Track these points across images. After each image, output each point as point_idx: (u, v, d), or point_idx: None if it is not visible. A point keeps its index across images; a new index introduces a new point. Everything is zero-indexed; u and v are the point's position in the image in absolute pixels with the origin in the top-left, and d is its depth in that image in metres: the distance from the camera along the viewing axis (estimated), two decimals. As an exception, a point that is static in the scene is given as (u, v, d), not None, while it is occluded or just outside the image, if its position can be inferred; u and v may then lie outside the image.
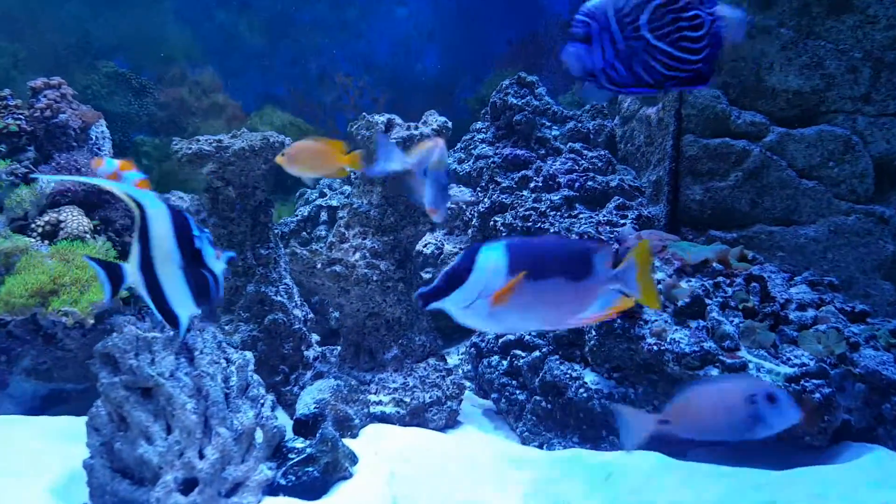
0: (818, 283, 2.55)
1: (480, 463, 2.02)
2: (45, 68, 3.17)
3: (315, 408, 2.10)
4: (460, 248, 3.32)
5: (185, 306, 1.28)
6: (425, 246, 3.30)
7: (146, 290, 1.24)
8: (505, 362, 2.58)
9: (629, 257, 1.16)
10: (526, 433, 2.40)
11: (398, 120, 2.56)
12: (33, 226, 2.61)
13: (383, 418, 2.28)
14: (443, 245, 3.32)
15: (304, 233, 3.49)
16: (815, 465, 2.00)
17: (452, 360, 3.19)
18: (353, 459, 1.99)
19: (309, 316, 2.69)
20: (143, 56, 3.86)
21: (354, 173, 2.59)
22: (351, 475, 1.94)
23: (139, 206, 1.21)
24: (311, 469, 1.85)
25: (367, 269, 2.36)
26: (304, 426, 2.09)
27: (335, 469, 1.91)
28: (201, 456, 1.73)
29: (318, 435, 1.94)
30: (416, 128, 2.53)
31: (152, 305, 1.26)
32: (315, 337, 2.74)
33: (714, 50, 1.20)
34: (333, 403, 2.12)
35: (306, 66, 3.93)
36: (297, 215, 3.55)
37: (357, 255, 2.44)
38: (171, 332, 1.90)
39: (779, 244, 2.88)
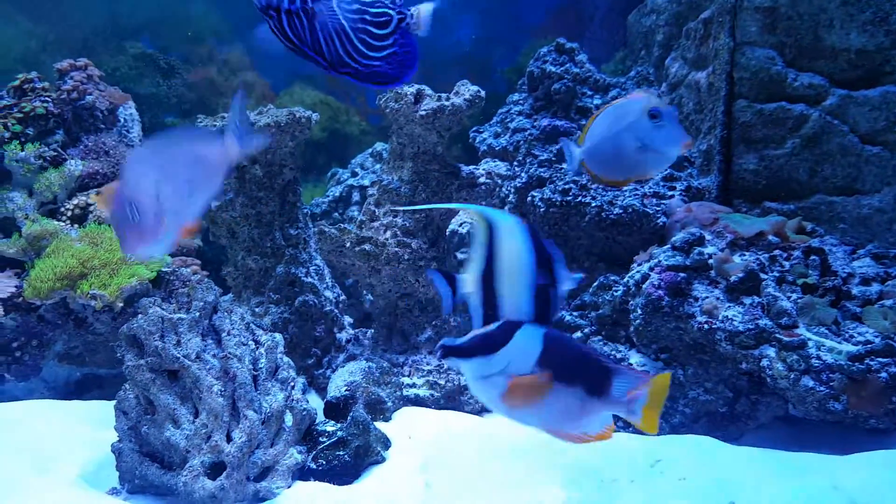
0: (883, 256, 2.41)
1: (518, 447, 1.96)
2: (73, 51, 3.19)
3: (346, 390, 2.07)
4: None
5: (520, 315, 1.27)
6: (461, 225, 3.24)
7: (481, 303, 1.25)
8: (545, 344, 2.51)
9: (645, 388, 1.13)
10: (568, 417, 2.33)
11: (428, 91, 2.50)
12: (62, 209, 2.63)
13: (417, 401, 2.24)
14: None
15: (336, 213, 3.47)
16: (882, 450, 1.89)
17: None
18: (386, 443, 1.96)
19: (341, 298, 2.66)
20: (171, 36, 3.87)
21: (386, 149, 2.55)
22: (384, 459, 1.91)
23: (487, 221, 1.23)
24: (342, 453, 1.82)
25: (397, 248, 2.32)
26: (336, 409, 2.07)
27: (367, 453, 1.88)
28: (229, 439, 1.72)
29: (349, 418, 1.91)
30: (448, 98, 2.47)
31: (476, 317, 1.26)
32: (348, 319, 2.72)
33: (402, 54, 1.16)
34: (365, 386, 2.09)
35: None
36: (328, 196, 3.53)
37: (388, 234, 2.40)
38: (197, 314, 1.89)
39: (840, 215, 2.73)
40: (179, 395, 1.79)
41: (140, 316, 1.85)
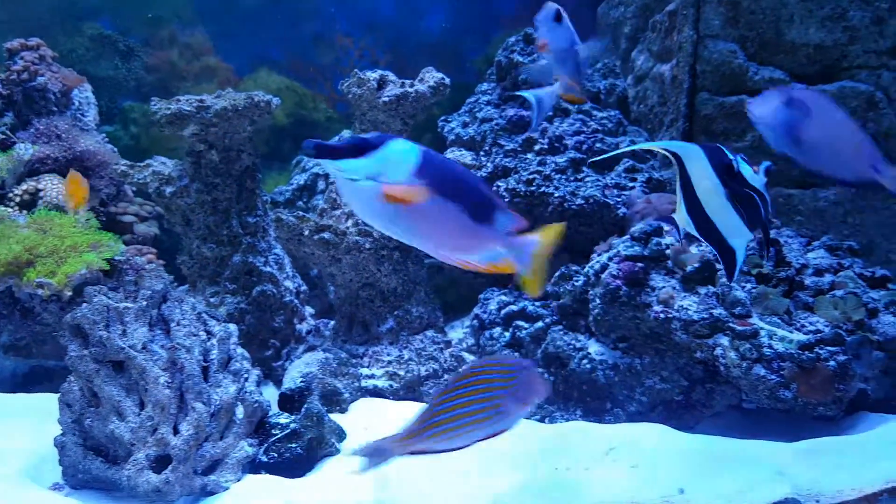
0: (837, 248, 2.43)
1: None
2: (26, 31, 3.06)
3: (301, 382, 2.03)
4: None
5: (739, 234, 1.35)
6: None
7: (699, 231, 1.35)
8: (507, 334, 2.49)
9: (537, 234, 1.13)
10: (527, 407, 2.31)
11: (392, 76, 2.45)
12: (10, 195, 2.53)
13: (376, 392, 2.20)
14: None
15: (301, 202, 3.40)
16: (829, 437, 1.90)
17: (457, 333, 3.11)
18: (341, 435, 1.92)
19: (302, 288, 2.61)
20: (131, 17, 3.74)
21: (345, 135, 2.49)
22: (338, 451, 1.87)
23: (675, 155, 1.31)
24: (294, 445, 1.78)
25: (359, 237, 2.26)
26: (290, 401, 2.02)
27: (320, 445, 1.84)
28: (176, 432, 1.66)
29: (303, 410, 1.87)
30: (412, 85, 2.42)
31: (710, 245, 1.36)
32: (309, 310, 2.66)
33: None
34: (321, 377, 2.04)
35: (303, 26, 3.79)
36: (292, 184, 3.45)
37: (349, 222, 2.34)
38: (145, 303, 1.82)
39: (797, 208, 2.74)
40: (125, 386, 1.72)
41: (84, 305, 1.78)
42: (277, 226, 2.25)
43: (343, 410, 2.08)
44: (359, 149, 1.02)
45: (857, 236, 2.71)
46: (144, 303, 1.82)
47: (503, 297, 2.59)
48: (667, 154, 1.33)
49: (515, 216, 1.12)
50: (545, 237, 1.14)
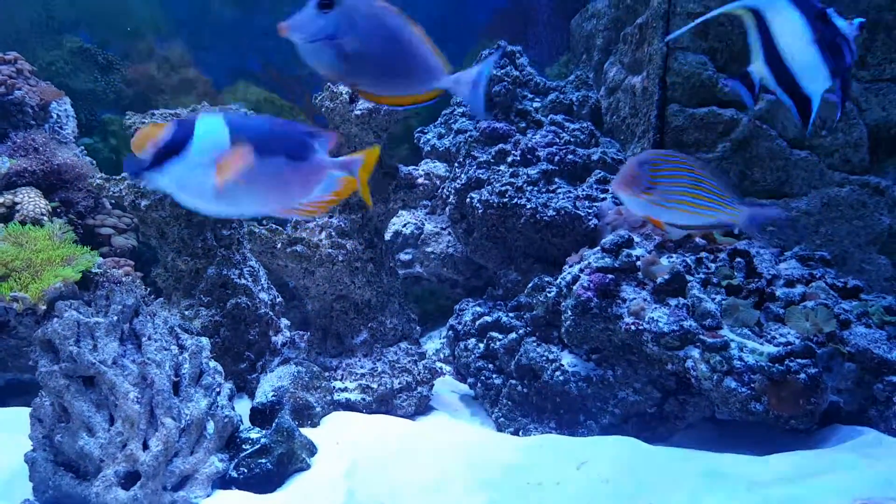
0: (809, 259, 2.45)
1: (447, 451, 1.93)
2: (5, 44, 3.05)
3: (273, 396, 2.02)
4: (441, 228, 3.23)
5: (819, 80, 1.33)
6: (405, 226, 3.20)
7: (776, 79, 1.34)
8: (481, 345, 2.50)
9: (360, 154, 1.22)
10: (501, 419, 2.32)
11: (366, 92, 2.44)
12: (-15, 208, 2.51)
13: (348, 405, 2.20)
14: (423, 224, 3.22)
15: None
16: (800, 450, 1.91)
17: (434, 343, 3.11)
18: (312, 450, 1.91)
19: (277, 300, 2.60)
20: (109, 30, 3.73)
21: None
22: (308, 466, 1.86)
23: (751, 9, 1.31)
24: (264, 461, 1.77)
25: (332, 249, 2.26)
26: (262, 415, 2.01)
27: (291, 460, 1.84)
28: (146, 448, 1.65)
29: (273, 425, 1.86)
30: (384, 100, 2.42)
31: (784, 97, 1.35)
32: (285, 322, 2.65)
33: None
34: (293, 391, 2.04)
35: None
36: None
37: (322, 235, 2.34)
38: (116, 318, 1.81)
39: (768, 218, 2.76)
40: (95, 402, 1.71)
41: (55, 320, 1.76)
42: (250, 238, 2.24)
43: (315, 424, 2.07)
44: (171, 150, 1.04)
45: (829, 246, 2.74)
46: (115, 317, 1.81)
47: (478, 309, 2.60)
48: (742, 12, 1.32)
49: (326, 133, 1.18)
50: (368, 157, 1.24)
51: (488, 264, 2.83)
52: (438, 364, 2.92)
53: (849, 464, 1.74)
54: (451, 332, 2.66)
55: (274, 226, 2.23)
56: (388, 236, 3.13)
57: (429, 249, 3.11)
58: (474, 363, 2.48)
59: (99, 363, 1.71)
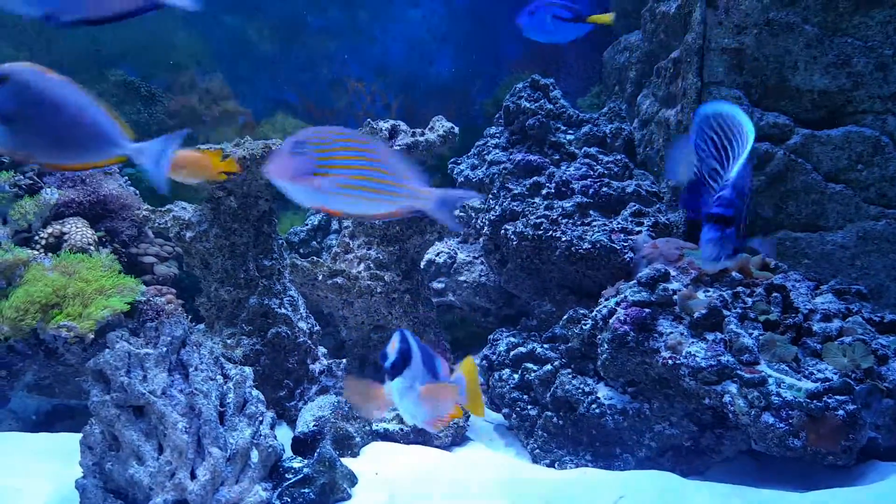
0: (845, 292, 2.45)
1: (484, 483, 1.96)
2: (54, 78, 3.17)
3: (314, 426, 2.06)
4: (474, 257, 3.27)
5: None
6: (438, 255, 3.25)
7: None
8: (516, 376, 2.52)
9: (460, 370, 1.28)
10: (537, 450, 2.33)
11: (403, 126, 2.52)
12: (37, 238, 2.61)
13: (386, 436, 2.23)
14: (455, 254, 3.27)
15: (315, 242, 3.47)
16: (839, 487, 1.90)
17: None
18: (353, 480, 1.94)
19: (315, 328, 2.65)
20: (152, 64, 3.87)
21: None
22: (349, 496, 1.90)
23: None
24: (307, 490, 1.81)
25: (370, 281, 2.32)
26: (304, 445, 2.05)
27: (332, 490, 1.87)
28: (193, 477, 1.70)
29: (315, 455, 1.90)
30: (422, 134, 2.49)
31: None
32: (322, 350, 2.70)
33: None
34: (333, 421, 2.08)
35: (317, 71, 3.90)
36: (307, 224, 3.52)
37: (361, 266, 2.40)
38: (165, 349, 1.88)
39: (804, 251, 2.77)
40: (144, 431, 1.77)
41: (107, 350, 1.83)
42: (293, 270, 2.31)
43: (355, 455, 2.11)
44: (405, 361, 1.22)
45: (865, 279, 2.73)
46: (164, 349, 1.88)
47: (512, 339, 2.63)
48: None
49: (440, 358, 1.30)
50: (467, 372, 1.28)
51: (522, 294, 2.86)
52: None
53: (891, 501, 1.74)
54: (484, 362, 2.69)
55: (315, 258, 2.29)
56: (421, 265, 3.19)
57: (461, 278, 3.15)
58: (509, 393, 2.50)
59: (149, 393, 1.77)
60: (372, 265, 2.37)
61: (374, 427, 2.22)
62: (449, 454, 2.22)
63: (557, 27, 2.24)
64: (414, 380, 1.20)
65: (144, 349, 1.85)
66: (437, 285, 3.20)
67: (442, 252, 3.22)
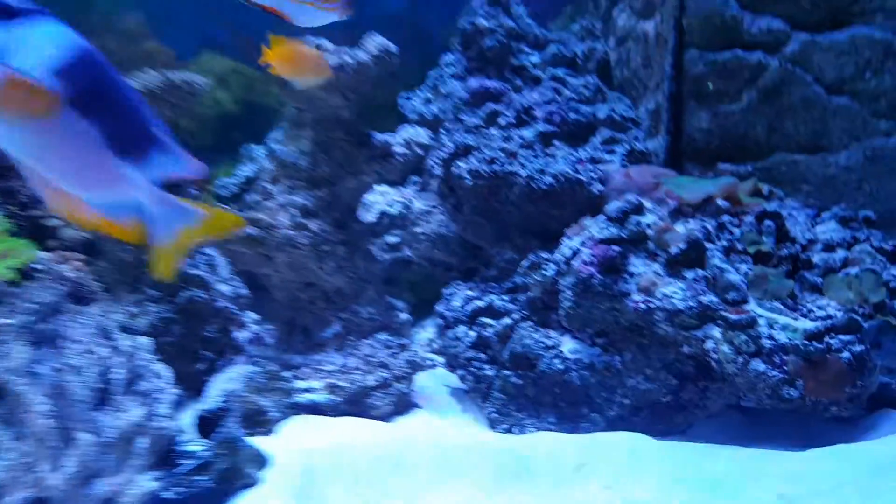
0: (851, 219, 2.23)
1: (423, 457, 1.75)
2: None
3: (220, 401, 1.85)
4: (433, 206, 3.03)
5: None
6: (391, 205, 3.00)
7: None
8: (472, 333, 2.30)
9: (203, 207, 0.86)
10: (494, 414, 2.13)
11: (328, 45, 2.27)
12: None
13: (313, 408, 2.02)
14: (412, 202, 3.02)
15: (249, 196, 3.21)
16: (844, 444, 1.69)
17: (428, 333, 2.93)
18: (262, 463, 1.75)
19: (242, 292, 2.43)
20: (62, 3, 3.58)
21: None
22: (256, 482, 1.70)
23: None
24: (203, 478, 1.61)
25: (292, 231, 2.08)
26: (207, 424, 1.84)
27: (235, 476, 1.68)
28: (58, 469, 1.49)
29: (217, 435, 1.70)
30: (351, 53, 2.24)
31: None
32: (253, 316, 2.48)
33: None
34: (243, 395, 1.87)
35: (252, 8, 3.60)
36: (237, 176, 3.26)
37: (284, 215, 2.16)
38: (31, 318, 1.65)
39: (803, 176, 2.53)
40: (3, 417, 1.55)
41: (-43, 323, 1.60)
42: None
43: (269, 432, 1.91)
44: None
45: (874, 205, 2.49)
46: (28, 317, 1.65)
47: (468, 292, 2.40)
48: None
49: (190, 161, 0.85)
50: (216, 217, 0.88)
51: (482, 243, 2.62)
52: (431, 355, 2.74)
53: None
54: (440, 320, 2.47)
55: (219, 205, 2.06)
56: (372, 217, 2.95)
57: (418, 230, 2.91)
58: (463, 353, 2.29)
59: (5, 371, 1.55)
60: (296, 213, 2.14)
61: (298, 399, 2.01)
62: (387, 426, 2.01)
63: None
64: None
65: (3, 320, 1.62)
66: (391, 239, 2.96)
67: (396, 202, 2.97)
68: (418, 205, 2.95)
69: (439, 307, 2.48)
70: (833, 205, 2.33)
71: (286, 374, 2.07)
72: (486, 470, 1.70)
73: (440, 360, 2.60)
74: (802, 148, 2.52)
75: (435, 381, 2.55)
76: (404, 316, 2.85)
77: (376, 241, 2.95)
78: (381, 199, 2.97)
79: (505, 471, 1.69)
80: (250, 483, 1.67)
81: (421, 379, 2.37)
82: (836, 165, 2.51)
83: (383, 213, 2.93)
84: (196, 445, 1.67)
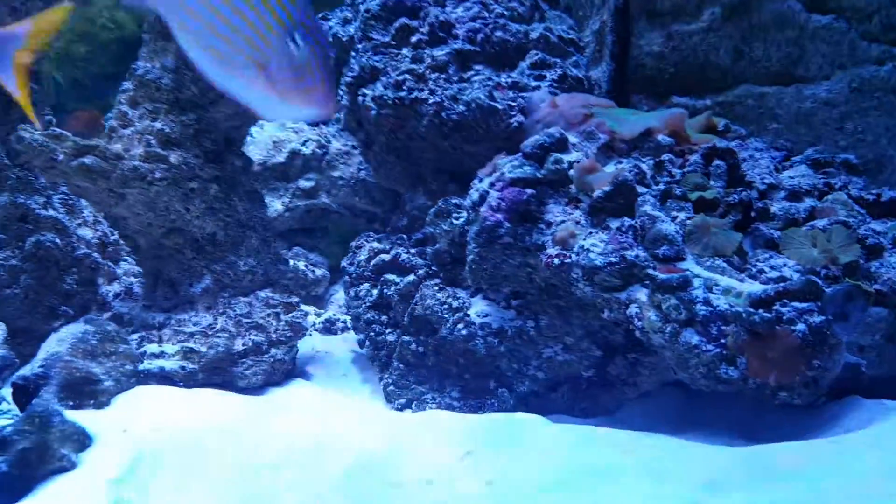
0: (827, 164, 1.90)
1: (287, 442, 1.46)
2: None
3: (40, 367, 1.55)
4: (352, 146, 2.69)
5: None
6: (305, 143, 2.66)
7: None
8: (375, 291, 2.00)
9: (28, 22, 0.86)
10: (391, 387, 1.85)
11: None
12: None
13: (162, 377, 1.72)
14: (329, 141, 2.68)
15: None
16: (791, 440, 1.38)
17: (342, 294, 2.63)
18: (83, 442, 1.45)
19: (110, 239, 2.11)
20: None
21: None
22: (73, 466, 1.41)
23: None
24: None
25: (144, 162, 1.75)
26: (26, 395, 1.55)
27: (44, 459, 1.38)
28: None
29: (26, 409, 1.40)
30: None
31: None
32: (127, 267, 2.17)
33: None
34: (68, 360, 1.56)
35: None
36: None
37: (140, 145, 1.83)
38: None
39: (773, 111, 2.21)
40: None
41: None
42: (25, 150, 1.73)
43: (102, 405, 1.61)
44: None
45: (859, 148, 2.19)
46: None
47: (376, 245, 2.08)
48: None
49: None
50: (39, 21, 0.91)
51: (396, 186, 2.30)
52: (342, 317, 2.44)
53: (878, 459, 1.21)
54: (346, 277, 2.16)
55: (57, 129, 1.72)
56: (282, 157, 2.62)
57: (336, 174, 2.59)
58: (364, 315, 1.99)
59: None
60: (155, 141, 1.80)
61: (145, 366, 1.70)
62: (251, 399, 1.71)
63: None
64: None
65: None
66: (304, 183, 2.63)
67: (310, 140, 2.63)
68: (336, 144, 2.62)
69: (344, 262, 2.17)
70: (808, 147, 2.01)
71: (134, 335, 1.77)
72: (354, 457, 1.41)
73: (347, 321, 2.32)
74: (773, 78, 2.19)
75: (345, 346, 2.26)
76: (320, 272, 2.55)
77: (288, 185, 2.63)
78: (294, 137, 2.63)
79: (378, 459, 1.40)
80: (65, 467, 1.38)
81: (318, 344, 2.07)
82: (814, 99, 2.18)
83: (295, 153, 2.59)
84: (5, 419, 1.39)
